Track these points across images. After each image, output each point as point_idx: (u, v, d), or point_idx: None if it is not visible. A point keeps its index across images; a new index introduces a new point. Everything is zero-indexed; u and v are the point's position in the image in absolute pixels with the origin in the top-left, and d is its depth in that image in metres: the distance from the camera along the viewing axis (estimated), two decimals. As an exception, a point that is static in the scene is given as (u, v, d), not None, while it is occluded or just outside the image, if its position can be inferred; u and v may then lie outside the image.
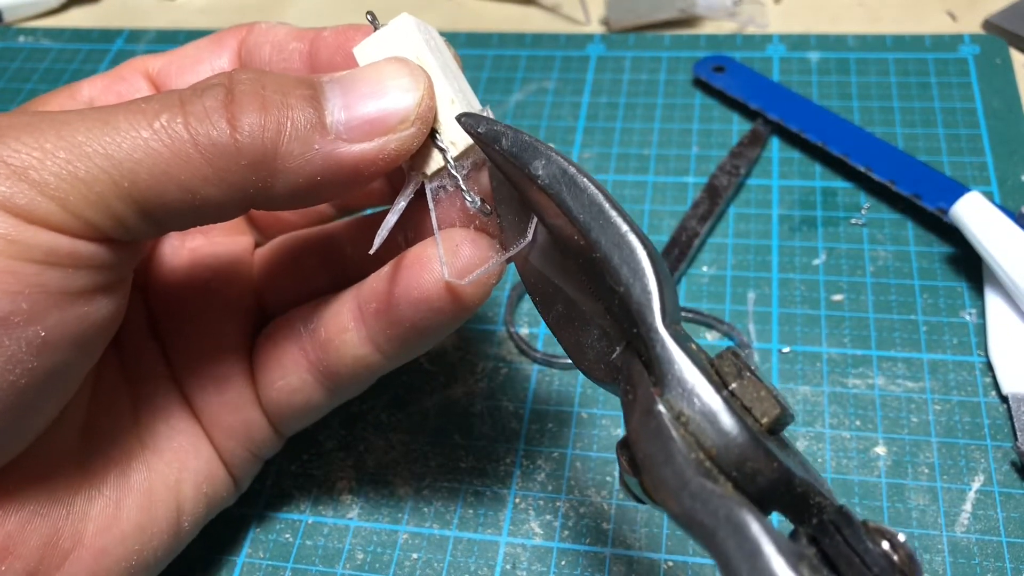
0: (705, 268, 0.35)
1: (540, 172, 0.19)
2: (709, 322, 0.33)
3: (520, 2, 0.49)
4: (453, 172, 0.21)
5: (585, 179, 0.19)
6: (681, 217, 0.37)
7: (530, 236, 0.21)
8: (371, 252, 0.21)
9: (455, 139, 0.21)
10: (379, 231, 0.21)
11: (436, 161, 0.21)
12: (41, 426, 0.21)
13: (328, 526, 0.30)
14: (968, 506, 0.28)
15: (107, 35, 0.50)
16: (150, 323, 0.27)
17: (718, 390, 0.17)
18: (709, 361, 0.18)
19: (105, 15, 0.52)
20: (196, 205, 0.20)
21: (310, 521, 0.30)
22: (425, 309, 0.22)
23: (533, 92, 0.43)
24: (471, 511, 0.29)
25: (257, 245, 0.29)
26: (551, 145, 0.20)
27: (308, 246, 0.28)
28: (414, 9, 0.49)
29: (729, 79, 0.41)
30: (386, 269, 0.23)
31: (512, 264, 0.23)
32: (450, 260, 0.21)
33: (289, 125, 0.19)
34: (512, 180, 0.21)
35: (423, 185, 0.22)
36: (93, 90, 0.26)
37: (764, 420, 0.17)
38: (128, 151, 0.19)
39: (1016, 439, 0.28)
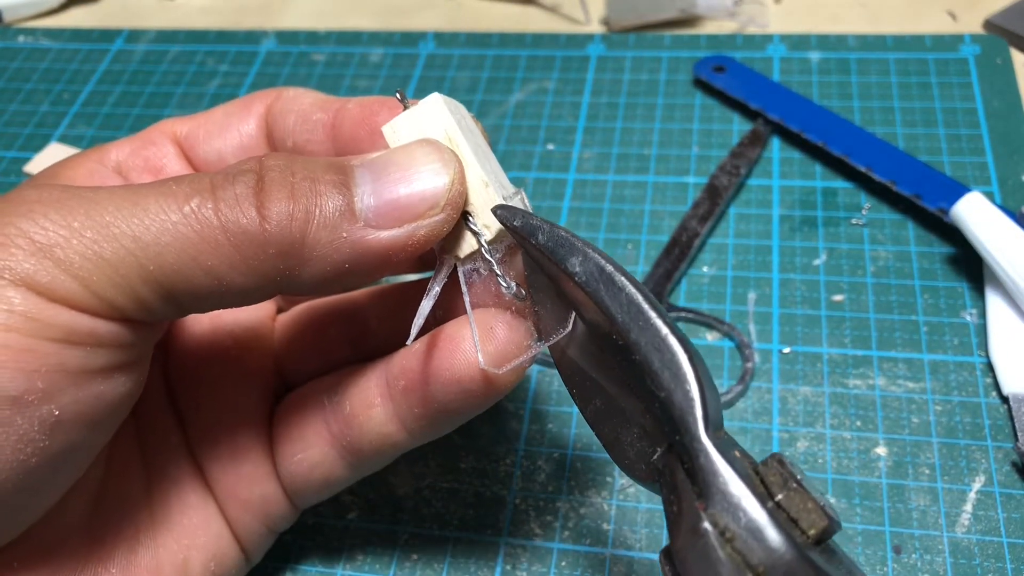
0: (705, 268, 0.35)
1: (577, 269, 0.19)
2: (709, 322, 0.33)
3: (520, 2, 0.49)
4: (488, 256, 0.21)
5: (623, 278, 0.19)
6: (681, 217, 0.37)
7: (570, 326, 0.21)
8: (408, 343, 0.21)
9: (488, 223, 0.21)
10: (416, 319, 0.21)
11: (469, 244, 0.21)
12: (50, 503, 0.21)
13: (328, 526, 0.29)
14: (969, 507, 0.28)
15: (107, 35, 0.50)
16: (168, 392, 0.26)
17: (763, 502, 0.16)
18: (754, 468, 0.18)
19: (105, 15, 0.52)
20: (221, 291, 0.19)
21: (310, 522, 0.30)
22: (456, 391, 0.22)
23: (533, 92, 0.43)
24: (471, 511, 0.29)
25: (280, 310, 0.29)
26: (587, 241, 0.20)
27: (331, 315, 0.27)
28: (414, 9, 0.49)
29: (729, 79, 0.41)
30: (417, 346, 0.23)
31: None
32: (484, 344, 0.21)
33: (318, 212, 0.19)
34: (548, 274, 0.20)
35: (456, 268, 0.22)
36: (121, 154, 0.25)
37: (811, 532, 0.17)
38: (156, 234, 0.19)
39: (1017, 439, 0.28)
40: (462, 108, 0.22)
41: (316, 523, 0.30)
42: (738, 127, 0.40)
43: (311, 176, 0.20)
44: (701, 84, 0.42)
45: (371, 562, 0.29)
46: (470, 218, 0.21)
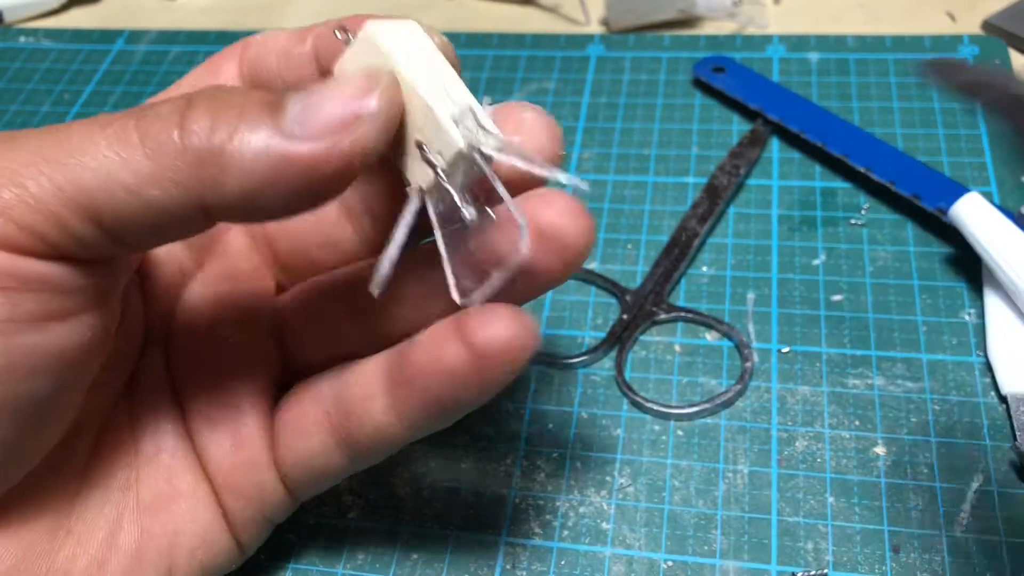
0: (705, 268, 0.35)
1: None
2: (709, 322, 0.33)
3: (520, 2, 0.49)
4: (446, 185, 0.20)
5: None
6: (681, 217, 0.37)
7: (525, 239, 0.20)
8: (371, 290, 0.20)
9: (442, 151, 0.20)
10: (378, 266, 0.20)
11: (426, 175, 0.20)
12: (23, 462, 0.21)
13: (328, 526, 0.30)
14: (967, 506, 0.28)
15: (108, 35, 0.50)
16: (169, 377, 0.26)
17: None
18: None
19: (105, 15, 0.52)
20: (149, 212, 0.19)
21: (311, 521, 0.30)
22: (450, 385, 0.22)
23: (533, 92, 0.43)
24: (471, 511, 0.29)
25: (280, 290, 0.28)
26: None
27: (333, 290, 0.27)
28: (414, 9, 0.49)
29: (729, 79, 0.41)
30: (420, 336, 0.22)
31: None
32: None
33: (241, 125, 0.19)
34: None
35: (425, 207, 0.21)
36: None
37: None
38: (76, 157, 0.18)
39: (1015, 439, 0.28)
40: (422, 38, 0.21)
41: (317, 522, 0.30)
42: (737, 127, 0.40)
43: (243, 95, 0.19)
44: (700, 84, 0.42)
45: (371, 561, 0.29)
46: (424, 149, 0.20)
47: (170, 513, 0.24)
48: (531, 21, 0.48)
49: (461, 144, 0.20)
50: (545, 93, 0.43)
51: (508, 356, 0.21)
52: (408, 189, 0.21)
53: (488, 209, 0.21)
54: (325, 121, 0.19)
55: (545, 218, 0.21)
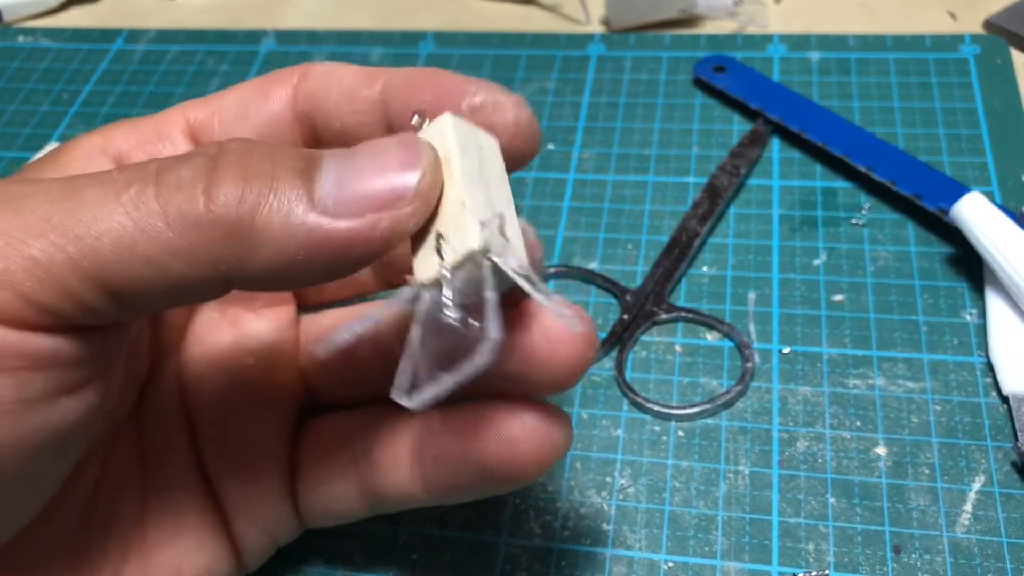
0: (705, 268, 0.35)
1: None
2: (709, 322, 0.33)
3: (520, 2, 0.49)
4: (445, 280, 0.19)
5: None
6: (681, 217, 0.37)
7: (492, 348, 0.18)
8: (321, 356, 0.19)
9: (456, 247, 0.19)
10: (337, 333, 0.19)
11: (432, 267, 0.19)
12: (13, 528, 0.20)
13: (328, 527, 0.29)
14: (969, 507, 0.28)
15: (107, 35, 0.50)
16: (181, 405, 0.25)
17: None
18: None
19: (104, 15, 0.52)
20: (166, 282, 0.17)
21: (310, 521, 0.30)
22: (478, 476, 0.22)
23: (533, 92, 0.43)
24: (471, 512, 0.29)
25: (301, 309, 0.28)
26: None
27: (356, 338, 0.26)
28: (414, 8, 0.49)
29: (729, 79, 0.41)
30: (453, 417, 0.22)
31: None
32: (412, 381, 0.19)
33: (272, 197, 0.17)
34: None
35: (418, 298, 0.19)
36: (127, 143, 0.23)
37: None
38: (89, 225, 0.17)
39: (1017, 439, 0.28)
40: (482, 134, 0.20)
41: (316, 523, 0.30)
42: (738, 127, 0.40)
43: (272, 160, 0.18)
44: (701, 84, 0.42)
45: (371, 562, 0.29)
46: (442, 242, 0.19)
47: (176, 547, 0.24)
48: (531, 20, 0.48)
49: (476, 245, 0.18)
50: (545, 93, 0.43)
51: (539, 456, 0.21)
52: (407, 277, 0.20)
53: (475, 323, 0.19)
54: (363, 197, 0.18)
55: (546, 347, 0.20)
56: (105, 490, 0.23)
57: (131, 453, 0.24)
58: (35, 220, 0.17)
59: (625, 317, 0.33)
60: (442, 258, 0.19)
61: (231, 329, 0.26)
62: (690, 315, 0.33)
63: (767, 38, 0.44)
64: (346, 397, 0.26)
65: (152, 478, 0.24)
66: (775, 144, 0.39)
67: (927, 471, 0.29)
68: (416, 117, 0.20)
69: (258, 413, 0.25)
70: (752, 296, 0.34)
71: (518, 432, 0.21)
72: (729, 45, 0.44)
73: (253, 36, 0.49)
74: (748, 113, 0.41)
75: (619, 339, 0.33)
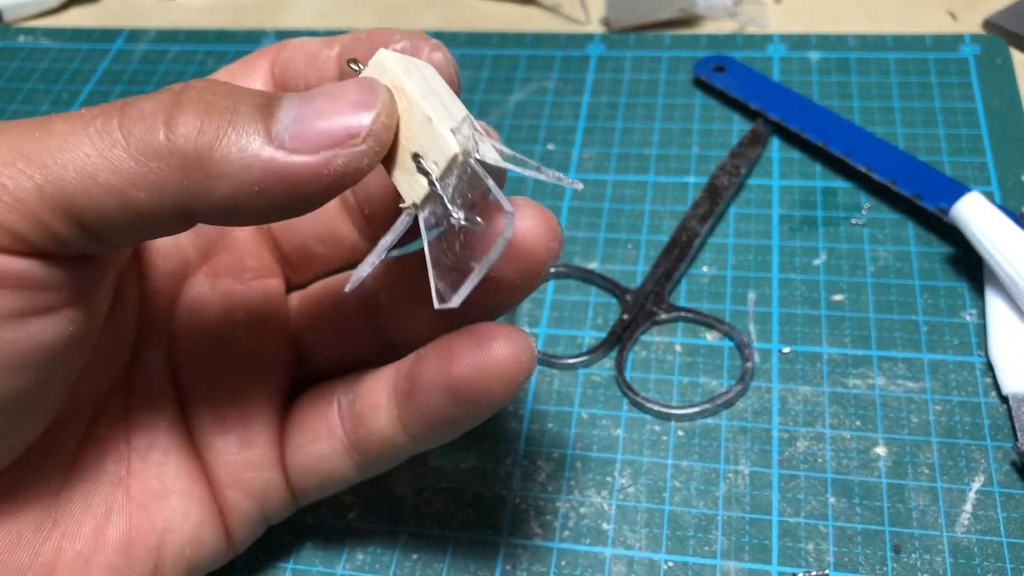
0: (705, 268, 0.35)
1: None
2: (709, 322, 0.33)
3: (520, 2, 0.49)
4: (439, 191, 0.20)
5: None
6: (681, 217, 0.37)
7: (508, 235, 0.20)
8: (345, 293, 0.20)
9: (437, 159, 0.20)
10: (357, 269, 0.20)
11: (422, 186, 0.20)
12: (2, 456, 0.21)
13: (328, 526, 0.30)
14: (968, 506, 0.28)
15: (107, 35, 0.50)
16: (170, 372, 0.26)
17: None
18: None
19: (105, 15, 0.52)
20: (131, 213, 0.18)
21: (311, 521, 0.30)
22: (450, 400, 0.22)
23: (533, 92, 0.43)
24: (471, 511, 0.29)
25: (290, 288, 0.28)
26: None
27: (340, 293, 0.26)
28: (414, 9, 0.49)
29: (729, 79, 0.41)
30: (425, 349, 0.22)
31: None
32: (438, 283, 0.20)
33: (230, 130, 0.18)
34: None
35: (417, 220, 0.21)
36: None
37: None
38: (55, 153, 0.18)
39: (1016, 439, 0.28)
40: (425, 66, 0.22)
41: (316, 523, 0.30)
42: (738, 127, 0.40)
43: (233, 97, 0.19)
44: (701, 84, 0.42)
45: (371, 562, 0.29)
46: (420, 160, 0.20)
47: (160, 510, 0.24)
48: (531, 20, 0.48)
49: (456, 149, 0.20)
50: (545, 93, 0.43)
51: (505, 375, 0.21)
52: (401, 206, 0.21)
53: (478, 218, 0.21)
54: (319, 135, 0.18)
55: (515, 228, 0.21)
56: (90, 450, 0.24)
57: (119, 420, 0.25)
58: (5, 150, 0.18)
59: (625, 317, 0.33)
60: (428, 173, 0.20)
61: (221, 299, 0.26)
62: (690, 315, 0.33)
63: (767, 38, 0.44)
64: (335, 360, 0.26)
65: (137, 443, 0.25)
66: (775, 144, 0.39)
67: (927, 471, 0.29)
68: (352, 65, 0.22)
69: (248, 380, 0.25)
70: (752, 296, 0.34)
71: (484, 354, 0.21)
72: (729, 45, 0.44)
73: (253, 36, 0.49)
74: (748, 113, 0.41)
75: (619, 339, 0.33)
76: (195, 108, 0.18)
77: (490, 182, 0.20)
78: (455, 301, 0.20)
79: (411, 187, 0.20)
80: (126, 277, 0.25)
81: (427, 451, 0.31)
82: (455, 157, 0.20)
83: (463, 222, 0.20)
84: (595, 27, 0.47)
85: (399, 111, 0.20)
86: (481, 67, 0.45)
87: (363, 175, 0.19)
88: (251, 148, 0.18)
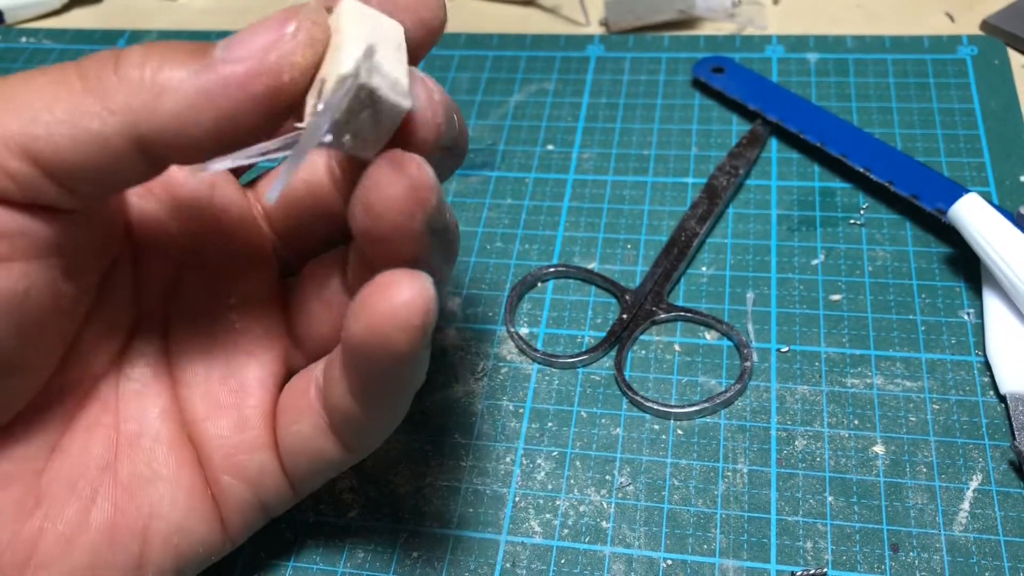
0: (704, 268, 0.35)
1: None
2: (708, 322, 0.33)
3: (520, 3, 0.49)
4: (321, 108, 0.20)
5: None
6: (680, 217, 0.37)
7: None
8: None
9: (330, 78, 0.20)
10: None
11: (311, 103, 0.21)
12: None
13: (329, 524, 0.30)
14: (966, 505, 0.28)
15: (109, 36, 0.50)
16: (165, 352, 0.26)
17: None
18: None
19: (107, 16, 0.53)
20: (87, 148, 0.19)
21: (311, 520, 0.30)
22: (367, 359, 0.22)
23: (533, 93, 0.43)
24: (471, 510, 0.29)
25: (285, 271, 0.28)
26: None
27: (334, 274, 0.26)
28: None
29: (728, 80, 0.41)
30: (347, 316, 0.22)
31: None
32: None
33: (172, 57, 0.20)
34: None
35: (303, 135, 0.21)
36: None
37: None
38: (12, 99, 0.19)
39: (1014, 438, 0.29)
40: (384, 18, 0.22)
41: (317, 521, 0.30)
42: (736, 128, 0.40)
43: (175, 44, 0.20)
44: (700, 85, 0.42)
45: (372, 560, 0.29)
46: (324, 84, 0.20)
47: (147, 496, 0.24)
48: (531, 22, 0.48)
49: (345, 69, 0.20)
50: (545, 93, 0.43)
51: (401, 322, 0.21)
52: (295, 125, 0.21)
53: (361, 143, 0.21)
54: (249, 46, 0.20)
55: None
56: (77, 433, 0.24)
57: (109, 403, 0.25)
58: None
59: (624, 317, 0.33)
60: (320, 94, 0.20)
61: (213, 283, 0.26)
62: (689, 315, 0.33)
63: (765, 39, 0.44)
64: (328, 340, 0.26)
65: (128, 427, 0.25)
66: (773, 145, 0.39)
67: (925, 470, 0.29)
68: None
69: (241, 363, 0.26)
70: (750, 296, 0.34)
71: (380, 303, 0.21)
72: (728, 46, 0.44)
73: (254, 37, 0.49)
74: (747, 114, 0.41)
75: (618, 338, 0.33)
76: (140, 50, 0.20)
77: (375, 82, 0.20)
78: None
79: (308, 106, 0.21)
80: (118, 262, 0.25)
81: (427, 450, 0.31)
82: (343, 76, 0.20)
83: (327, 140, 0.20)
84: (594, 28, 0.47)
85: (330, 48, 0.21)
86: (481, 68, 0.45)
87: (301, 74, 0.20)
88: (191, 66, 0.19)
